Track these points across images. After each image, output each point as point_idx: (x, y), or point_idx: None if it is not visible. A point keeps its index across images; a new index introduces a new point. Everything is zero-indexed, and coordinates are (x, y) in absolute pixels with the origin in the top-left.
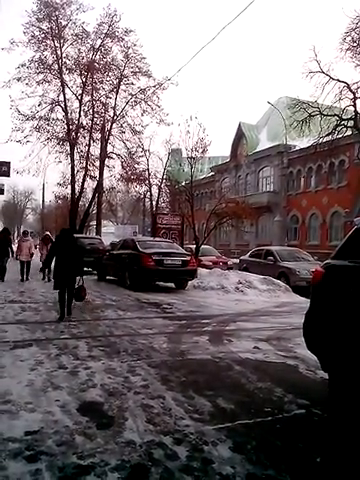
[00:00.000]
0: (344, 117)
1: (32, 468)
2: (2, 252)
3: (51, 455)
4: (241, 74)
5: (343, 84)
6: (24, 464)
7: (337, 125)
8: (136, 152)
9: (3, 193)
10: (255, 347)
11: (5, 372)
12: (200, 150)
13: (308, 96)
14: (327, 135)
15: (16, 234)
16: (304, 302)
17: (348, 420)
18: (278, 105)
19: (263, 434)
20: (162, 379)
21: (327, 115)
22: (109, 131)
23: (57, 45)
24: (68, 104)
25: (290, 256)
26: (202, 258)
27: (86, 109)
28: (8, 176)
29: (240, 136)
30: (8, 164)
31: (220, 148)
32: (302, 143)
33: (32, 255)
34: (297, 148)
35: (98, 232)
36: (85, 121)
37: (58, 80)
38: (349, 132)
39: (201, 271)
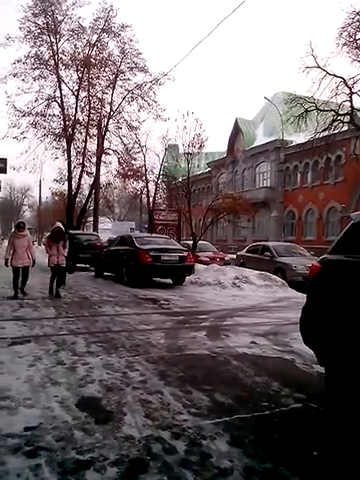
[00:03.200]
0: (340, 112)
1: (32, 463)
2: None
3: (50, 450)
4: (238, 69)
5: (339, 79)
6: (24, 459)
7: (333, 120)
8: (133, 148)
9: (0, 190)
10: (252, 342)
11: (4, 368)
12: (197, 146)
13: (304, 91)
14: (323, 130)
15: (13, 231)
16: (300, 297)
17: (345, 414)
18: (275, 100)
19: (260, 428)
20: (160, 374)
21: (323, 110)
22: (106, 127)
23: (53, 40)
24: (64, 100)
25: (287, 251)
26: (199, 254)
27: (82, 105)
28: (5, 173)
29: (237, 131)
30: (5, 161)
31: (217, 143)
32: (299, 138)
33: (34, 261)
34: (294, 143)
35: (95, 228)
36: (81, 117)
37: (54, 76)
38: (345, 127)
39: (198, 267)
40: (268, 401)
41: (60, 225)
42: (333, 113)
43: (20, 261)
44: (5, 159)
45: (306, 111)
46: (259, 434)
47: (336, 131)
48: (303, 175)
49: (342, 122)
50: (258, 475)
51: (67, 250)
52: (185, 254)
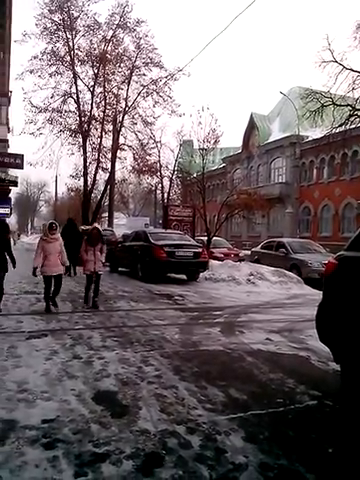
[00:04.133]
0: (357, 107)
1: (49, 455)
2: None
3: (67, 443)
4: (253, 64)
5: (357, 73)
6: (41, 451)
7: (350, 115)
8: (148, 144)
9: (17, 185)
10: (267, 338)
11: (21, 362)
12: (212, 141)
13: (321, 86)
14: (340, 125)
15: (29, 226)
16: (316, 294)
17: None
18: (290, 95)
19: (275, 424)
20: (175, 369)
21: (340, 105)
22: (121, 123)
23: (69, 37)
24: (80, 96)
25: (302, 248)
26: (214, 250)
27: (98, 101)
28: (22, 168)
29: (252, 127)
30: (21, 156)
31: (232, 139)
32: (315, 134)
33: (68, 268)
34: (310, 139)
35: (110, 224)
36: (97, 113)
37: (70, 72)
38: None
39: (212, 263)
40: (283, 398)
41: (98, 227)
42: (350, 108)
43: (53, 269)
44: (22, 155)
45: (322, 106)
46: (274, 430)
47: (353, 126)
48: (319, 171)
49: (359, 117)
50: (273, 471)
51: (105, 255)
52: (199, 250)
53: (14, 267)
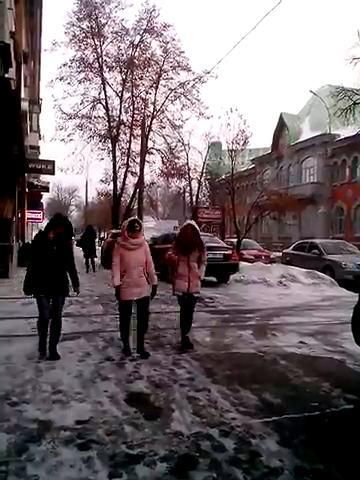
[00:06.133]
0: None
1: (84, 455)
2: (48, 286)
3: (101, 444)
4: (282, 63)
5: None
6: (76, 451)
7: None
8: (176, 147)
9: (48, 191)
10: (301, 341)
11: (55, 363)
12: (241, 142)
13: (352, 84)
14: None
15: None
16: (351, 296)
17: None
18: (321, 94)
19: (311, 428)
20: (207, 372)
21: None
22: (149, 127)
23: (97, 43)
24: (109, 101)
25: (336, 249)
26: (244, 252)
27: (126, 106)
28: (53, 174)
29: (282, 126)
30: (53, 162)
31: (261, 139)
32: (347, 132)
33: (155, 289)
34: (342, 137)
35: None
36: (126, 118)
37: (99, 78)
38: None
39: (243, 265)
40: (318, 401)
41: (193, 224)
42: None
43: (134, 290)
44: (53, 161)
45: (354, 103)
46: (309, 435)
47: None
48: (352, 170)
49: None
50: (309, 476)
51: (205, 268)
52: (229, 252)
53: (75, 290)
